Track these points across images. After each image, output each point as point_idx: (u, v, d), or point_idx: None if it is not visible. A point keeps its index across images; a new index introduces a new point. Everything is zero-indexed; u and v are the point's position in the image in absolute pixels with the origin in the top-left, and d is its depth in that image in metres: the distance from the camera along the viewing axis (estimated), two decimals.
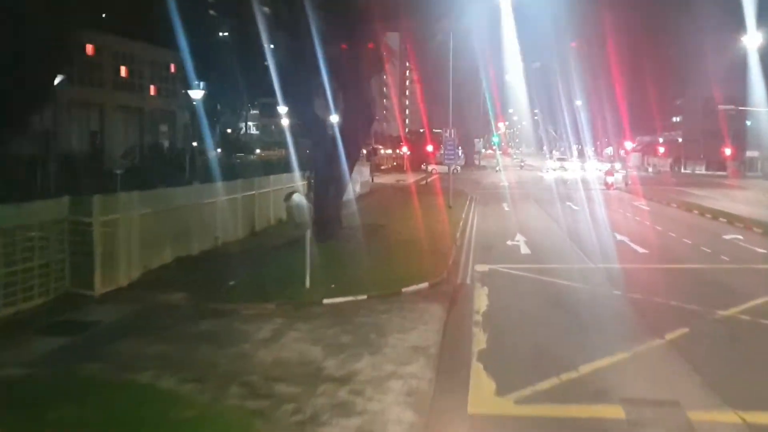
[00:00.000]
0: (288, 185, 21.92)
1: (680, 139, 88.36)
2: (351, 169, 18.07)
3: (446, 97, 34.56)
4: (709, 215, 25.80)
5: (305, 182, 18.78)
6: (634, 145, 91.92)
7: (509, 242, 19.15)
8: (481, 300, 11.97)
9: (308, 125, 17.65)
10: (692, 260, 16.15)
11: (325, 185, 17.16)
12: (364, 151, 73.71)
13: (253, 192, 18.96)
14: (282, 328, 9.97)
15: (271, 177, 20.55)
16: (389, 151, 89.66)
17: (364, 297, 11.83)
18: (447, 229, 20.87)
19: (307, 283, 12.08)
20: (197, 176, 22.07)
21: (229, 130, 50.34)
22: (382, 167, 77.31)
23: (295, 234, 18.06)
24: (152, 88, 37.24)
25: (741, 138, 65.98)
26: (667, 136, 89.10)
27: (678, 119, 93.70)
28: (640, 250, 17.62)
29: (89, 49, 31.53)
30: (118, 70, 34.24)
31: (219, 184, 17.08)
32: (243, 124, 70.60)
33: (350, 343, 9.25)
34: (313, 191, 17.66)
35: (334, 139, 17.06)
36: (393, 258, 15.17)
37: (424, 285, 12.80)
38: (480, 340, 9.53)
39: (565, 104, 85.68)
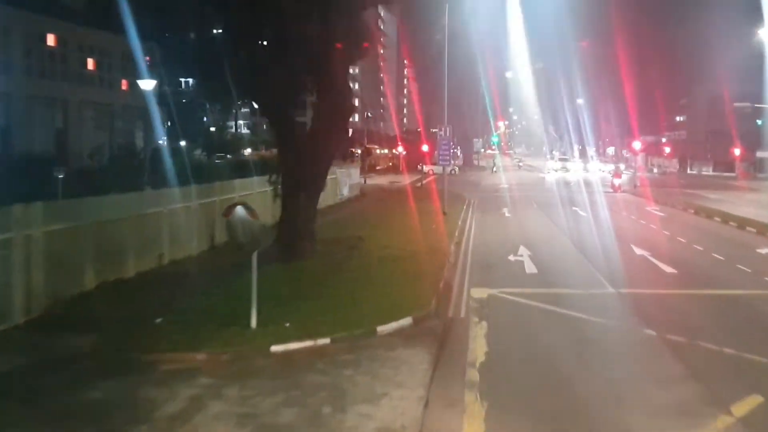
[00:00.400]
0: (260, 190, 19.28)
1: (684, 139, 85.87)
2: (326, 172, 15.39)
3: (443, 95, 31.99)
4: (733, 223, 23.12)
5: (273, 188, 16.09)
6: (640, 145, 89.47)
7: (511, 257, 16.48)
8: (478, 344, 9.27)
9: (272, 120, 14.94)
10: (732, 284, 13.45)
11: (295, 192, 14.46)
12: (359, 151, 71.20)
13: (214, 199, 16.27)
14: (204, 394, 7.28)
15: (237, 181, 17.84)
16: (385, 151, 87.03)
17: (327, 341, 9.14)
18: (440, 241, 18.18)
19: (253, 323, 9.39)
20: (158, 179, 19.28)
21: (213, 129, 47.64)
22: (378, 168, 74.73)
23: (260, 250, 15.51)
24: (124, 82, 34.56)
25: (751, 138, 63.28)
26: (670, 136, 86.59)
27: (681, 119, 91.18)
28: (667, 269, 14.92)
29: (50, 39, 28.89)
30: (85, 63, 31.57)
31: (166, 191, 14.38)
32: (233, 123, 67.92)
33: (292, 424, 6.57)
34: (280, 199, 14.96)
35: (304, 136, 14.36)
36: (372, 282, 12.46)
37: (407, 321, 10.11)
38: (475, 416, 6.83)
39: (568, 104, 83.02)
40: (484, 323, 10.34)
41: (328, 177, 28.84)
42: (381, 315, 10.19)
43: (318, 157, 14.58)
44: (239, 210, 9.14)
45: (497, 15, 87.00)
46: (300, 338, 9.08)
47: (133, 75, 34.74)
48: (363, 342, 9.24)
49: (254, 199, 18.62)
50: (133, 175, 20.19)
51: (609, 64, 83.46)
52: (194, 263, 14.34)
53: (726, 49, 68.51)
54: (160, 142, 49.44)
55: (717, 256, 16.56)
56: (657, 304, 11.76)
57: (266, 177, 20.47)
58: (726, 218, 24.15)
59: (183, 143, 52.50)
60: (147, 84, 22.33)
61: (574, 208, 29.94)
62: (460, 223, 23.45)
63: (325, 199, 27.72)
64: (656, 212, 28.24)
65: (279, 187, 14.98)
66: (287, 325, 9.52)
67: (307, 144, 14.29)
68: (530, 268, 15.16)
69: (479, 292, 12.50)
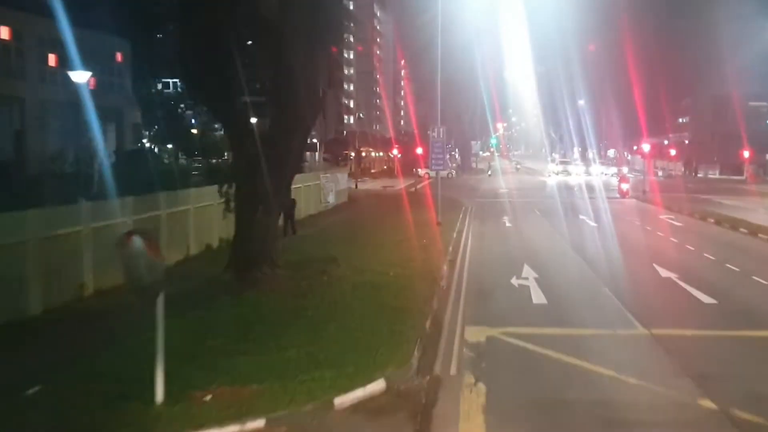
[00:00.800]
0: (222, 200, 16.63)
1: (687, 141, 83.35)
2: (289, 180, 12.77)
3: (441, 97, 29.30)
4: (764, 236, 20.47)
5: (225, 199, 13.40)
6: (637, 148, 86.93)
7: (514, 281, 13.87)
8: (473, 427, 6.65)
9: (222, 118, 12.25)
10: None
11: (250, 206, 11.84)
12: (353, 155, 68.58)
13: (158, 212, 13.63)
14: None
15: (193, 190, 15.19)
16: (381, 153, 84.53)
17: (260, 423, 6.52)
18: (431, 260, 15.57)
19: (159, 396, 6.74)
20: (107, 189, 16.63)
21: (194, 131, 44.92)
22: (373, 171, 72.23)
23: (214, 273, 12.91)
24: (92, 80, 31.78)
25: (760, 139, 60.70)
26: (672, 138, 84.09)
27: (684, 120, 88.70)
28: (703, 297, 12.28)
29: (4, 32, 26.22)
30: (45, 58, 28.86)
31: (89, 205, 11.72)
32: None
33: None
34: (234, 215, 12.35)
35: (262, 139, 11.74)
36: (340, 322, 9.80)
37: (378, 385, 7.50)
38: None
39: (569, 106, 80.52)
40: (481, 387, 7.72)
41: (310, 183, 26.33)
42: (343, 376, 7.58)
43: (279, 163, 11.94)
44: (136, 240, 6.50)
45: (496, 16, 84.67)
46: (222, 420, 6.44)
47: (102, 74, 32.19)
48: (313, 423, 6.64)
49: (213, 212, 16.04)
50: (77, 184, 17.55)
51: (611, 64, 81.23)
52: (126, 294, 11.64)
53: (731, 48, 66.17)
54: (141, 144, 46.76)
55: (759, 279, 13.92)
56: (705, 354, 9.13)
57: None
58: (753, 230, 21.50)
59: (170, 146, 49.88)
60: (79, 76, 19.62)
61: (581, 216, 27.35)
62: (455, 235, 20.86)
63: (306, 208, 25.16)
64: (672, 221, 25.63)
65: (231, 200, 12.32)
66: (208, 398, 6.89)
67: (265, 147, 11.65)
68: (538, 296, 12.53)
69: (476, 333, 9.89)
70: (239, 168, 12.04)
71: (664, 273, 14.66)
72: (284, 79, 11.39)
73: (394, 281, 12.72)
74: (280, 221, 21.29)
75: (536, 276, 14.31)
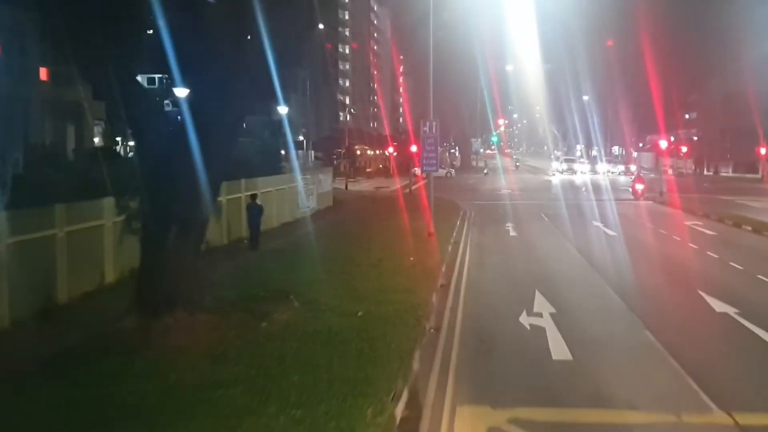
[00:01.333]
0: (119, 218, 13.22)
1: (696, 138, 79.92)
2: (216, 188, 9.37)
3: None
4: None
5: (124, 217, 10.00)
6: (647, 146, 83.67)
7: (525, 319, 10.55)
8: None
9: (125, 104, 8.78)
10: None
11: (158, 227, 8.49)
12: (350, 153, 65.21)
13: (53, 231, 10.27)
14: None
15: (108, 200, 11.80)
16: (377, 152, 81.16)
17: None
18: (416, 289, 12.16)
19: None
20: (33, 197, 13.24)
21: None
22: (368, 170, 68.89)
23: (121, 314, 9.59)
24: (43, 71, 28.41)
25: None
26: (681, 135, 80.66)
27: (691, 116, 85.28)
28: None
29: None
30: None
31: None
32: None
33: None
34: (139, 239, 9.00)
35: (175, 132, 8.41)
36: (259, 413, 6.42)
37: None
38: None
39: (575, 103, 77.15)
40: None
41: (285, 186, 22.86)
42: None
43: (205, 159, 8.54)
44: None
45: (499, 10, 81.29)
46: None
47: (56, 64, 28.79)
48: None
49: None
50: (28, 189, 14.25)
51: (618, 59, 77.86)
52: None
53: (744, 41, 62.89)
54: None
55: None
56: None
57: None
58: None
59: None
60: None
61: (595, 223, 24.02)
62: (450, 248, 17.52)
63: (280, 215, 21.74)
64: (701, 229, 22.24)
65: (134, 217, 8.96)
66: None
67: (177, 143, 8.31)
68: (558, 346, 9.16)
69: (472, 423, 6.65)
70: (145, 172, 8.66)
71: (717, 306, 11.32)
72: (214, 57, 8.03)
73: (362, 328, 9.33)
74: (245, 232, 18.17)
75: (552, 311, 11.00)
